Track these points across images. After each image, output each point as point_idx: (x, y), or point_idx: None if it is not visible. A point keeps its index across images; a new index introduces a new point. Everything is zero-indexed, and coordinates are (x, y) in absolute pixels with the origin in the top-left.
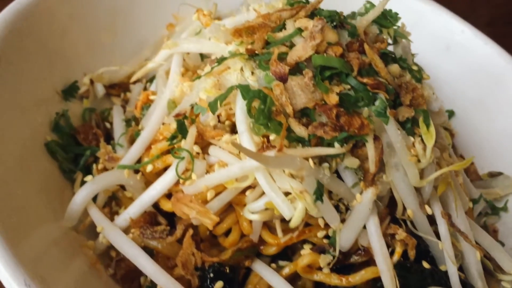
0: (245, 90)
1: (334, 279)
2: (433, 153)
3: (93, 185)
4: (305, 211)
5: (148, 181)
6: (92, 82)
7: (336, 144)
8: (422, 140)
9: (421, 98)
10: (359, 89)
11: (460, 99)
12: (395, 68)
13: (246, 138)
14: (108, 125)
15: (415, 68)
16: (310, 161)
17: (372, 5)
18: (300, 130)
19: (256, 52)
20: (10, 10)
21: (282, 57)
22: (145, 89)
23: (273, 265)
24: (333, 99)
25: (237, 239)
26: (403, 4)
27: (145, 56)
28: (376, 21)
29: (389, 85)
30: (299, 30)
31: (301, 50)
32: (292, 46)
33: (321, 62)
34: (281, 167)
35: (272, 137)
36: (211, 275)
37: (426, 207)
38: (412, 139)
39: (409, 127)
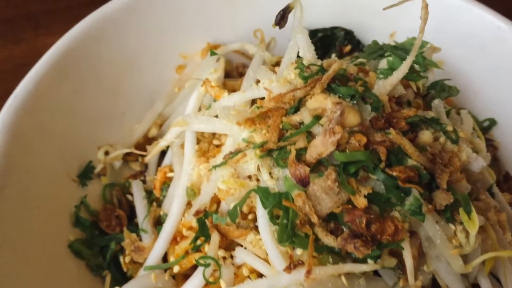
0: (265, 196)
1: None
2: (478, 239)
3: None
4: None
5: (176, 274)
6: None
7: (370, 260)
8: (463, 226)
9: (459, 174)
10: (389, 186)
11: (501, 105)
12: (427, 137)
13: (272, 251)
14: (130, 197)
15: (449, 128)
16: (343, 277)
17: (396, 59)
18: (328, 241)
19: (272, 147)
20: (8, 110)
21: (300, 153)
22: (162, 155)
23: None
24: (361, 202)
25: None
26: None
27: (158, 109)
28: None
29: (423, 169)
30: (316, 119)
31: (321, 146)
32: (309, 134)
33: (345, 159)
34: None
35: (299, 251)
36: None
37: None
38: (452, 227)
39: (448, 216)
